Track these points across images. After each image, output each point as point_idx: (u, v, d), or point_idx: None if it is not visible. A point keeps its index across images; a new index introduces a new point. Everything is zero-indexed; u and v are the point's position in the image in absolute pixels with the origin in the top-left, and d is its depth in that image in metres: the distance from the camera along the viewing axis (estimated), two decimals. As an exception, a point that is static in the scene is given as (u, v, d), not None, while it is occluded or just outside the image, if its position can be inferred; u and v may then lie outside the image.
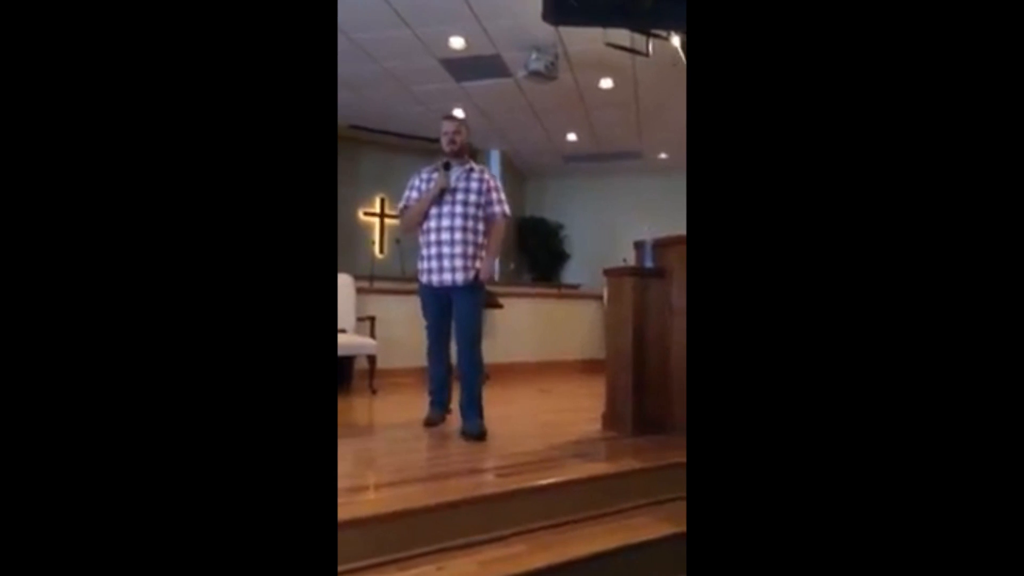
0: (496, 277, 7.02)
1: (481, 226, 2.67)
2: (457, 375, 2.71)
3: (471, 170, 2.71)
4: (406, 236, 2.79)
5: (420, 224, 2.68)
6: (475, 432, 2.55)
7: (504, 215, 2.73)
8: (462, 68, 4.91)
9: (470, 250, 2.63)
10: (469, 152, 2.79)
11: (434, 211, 2.63)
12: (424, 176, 2.73)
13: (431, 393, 2.83)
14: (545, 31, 4.15)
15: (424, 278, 2.68)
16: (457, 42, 4.52)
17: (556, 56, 4.47)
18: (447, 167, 2.64)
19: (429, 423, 2.78)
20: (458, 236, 2.60)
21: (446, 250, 2.60)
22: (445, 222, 2.62)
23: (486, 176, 2.73)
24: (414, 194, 2.72)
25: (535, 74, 4.51)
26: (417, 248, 2.74)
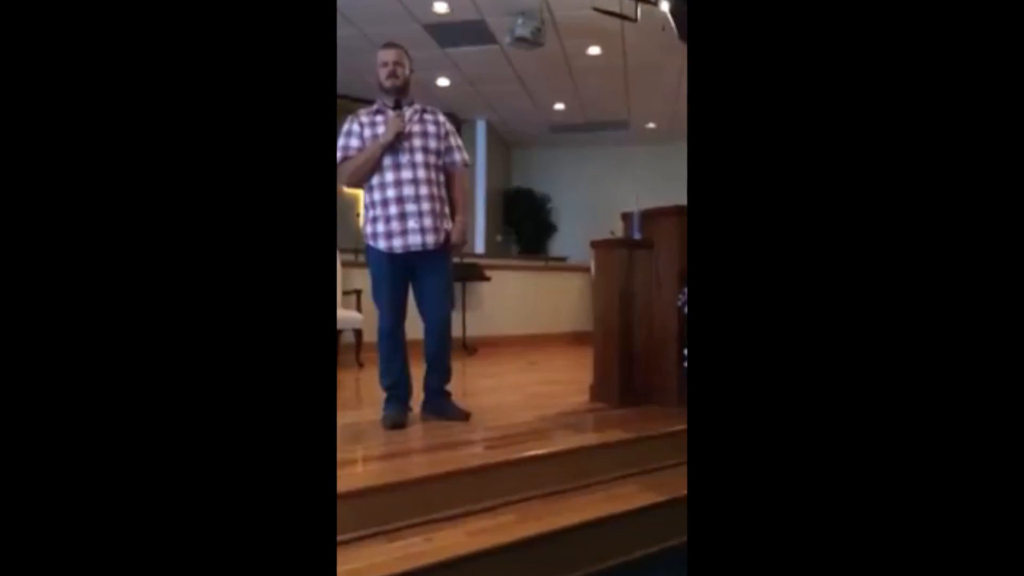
0: (483, 247, 6.98)
1: (442, 177, 2.28)
2: (431, 360, 2.35)
3: (424, 111, 2.28)
4: (348, 188, 2.32)
5: (368, 177, 2.21)
6: (462, 414, 2.36)
7: (464, 163, 2.36)
8: (446, 34, 4.78)
9: (438, 206, 2.23)
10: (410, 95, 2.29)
11: (388, 161, 2.17)
12: (364, 120, 2.23)
13: (389, 388, 2.32)
14: (531, -5, 4.04)
15: (382, 243, 2.20)
16: (441, 7, 4.40)
17: (542, 22, 4.36)
18: (398, 107, 2.21)
19: (395, 425, 2.23)
20: (424, 190, 2.18)
21: (411, 208, 2.17)
22: (406, 174, 2.17)
23: (441, 118, 2.32)
24: (354, 141, 2.21)
25: (521, 40, 4.41)
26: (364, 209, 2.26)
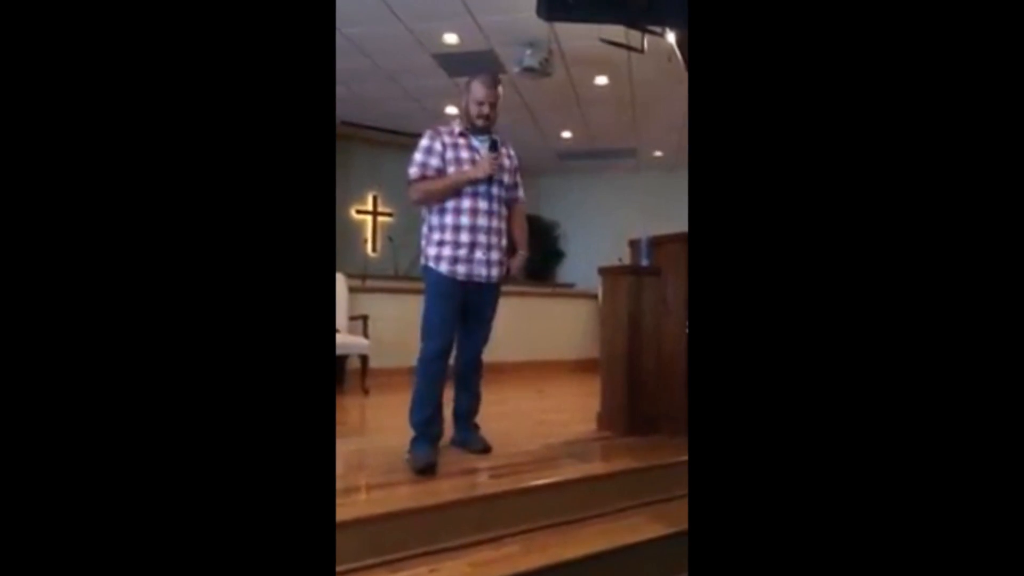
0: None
1: (506, 211, 2.27)
2: (462, 383, 2.32)
3: (503, 145, 2.26)
4: (416, 207, 2.31)
5: (441, 201, 2.15)
6: (485, 446, 2.30)
7: (524, 200, 2.37)
8: (456, 64, 4.87)
9: (504, 240, 2.23)
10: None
11: (467, 188, 2.13)
12: (446, 140, 2.17)
13: (421, 424, 2.14)
14: (539, 27, 4.11)
15: (445, 267, 2.13)
16: (451, 38, 4.49)
17: (550, 52, 4.44)
18: (494, 147, 2.15)
19: (426, 467, 2.01)
20: (495, 223, 2.17)
21: (482, 238, 2.14)
22: (482, 204, 2.14)
23: (512, 152, 2.30)
24: (434, 160, 2.15)
25: (529, 70, 4.48)
26: (414, 236, 2.26)
